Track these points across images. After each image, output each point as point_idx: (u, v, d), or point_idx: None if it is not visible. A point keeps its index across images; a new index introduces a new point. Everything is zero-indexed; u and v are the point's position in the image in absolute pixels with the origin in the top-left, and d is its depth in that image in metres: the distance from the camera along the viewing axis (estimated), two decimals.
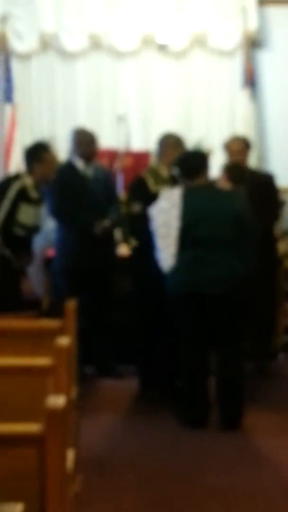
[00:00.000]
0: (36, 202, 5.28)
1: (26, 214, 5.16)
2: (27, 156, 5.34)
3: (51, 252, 6.00)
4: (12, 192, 5.17)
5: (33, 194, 5.24)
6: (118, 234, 5.89)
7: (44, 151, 5.34)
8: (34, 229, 5.34)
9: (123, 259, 5.72)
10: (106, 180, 5.72)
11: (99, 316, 5.61)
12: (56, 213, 5.56)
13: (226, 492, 3.75)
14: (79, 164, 5.59)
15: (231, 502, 3.64)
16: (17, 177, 5.41)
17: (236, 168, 5.22)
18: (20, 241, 5.21)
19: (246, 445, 4.40)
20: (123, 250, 5.98)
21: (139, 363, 5.32)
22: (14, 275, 5.30)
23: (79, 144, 5.60)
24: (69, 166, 5.66)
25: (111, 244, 5.72)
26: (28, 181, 5.22)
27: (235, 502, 3.66)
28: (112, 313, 5.69)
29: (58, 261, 5.60)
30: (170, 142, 5.25)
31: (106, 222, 5.47)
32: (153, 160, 5.91)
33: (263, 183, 5.67)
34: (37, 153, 5.30)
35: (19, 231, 5.15)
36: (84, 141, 5.60)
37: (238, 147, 5.68)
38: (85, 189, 5.53)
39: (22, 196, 5.17)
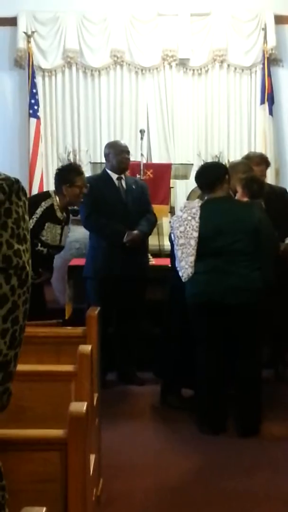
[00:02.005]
0: (61, 223, 5.26)
1: (50, 234, 5.17)
2: (58, 177, 5.26)
3: (74, 261, 6.08)
4: (39, 210, 5.12)
5: (59, 214, 5.23)
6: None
7: (76, 175, 5.24)
8: (57, 248, 5.33)
9: (154, 269, 5.74)
10: (140, 192, 5.75)
11: (127, 323, 5.67)
12: (88, 221, 5.63)
13: (244, 498, 3.68)
14: (113, 175, 5.67)
15: (249, 508, 3.60)
16: (46, 195, 5.36)
17: (254, 182, 5.15)
18: (42, 259, 5.17)
19: (264, 451, 4.38)
20: (155, 260, 6.03)
21: (161, 368, 5.31)
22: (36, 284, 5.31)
23: (112, 156, 5.65)
24: (103, 177, 5.74)
25: (143, 254, 5.77)
26: (56, 201, 5.18)
27: (253, 507, 3.60)
28: (141, 322, 5.73)
29: (89, 268, 5.65)
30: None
31: (136, 232, 5.54)
32: None
33: (279, 197, 5.66)
34: (69, 176, 5.21)
35: (41, 250, 5.15)
36: (117, 153, 5.64)
37: (261, 171, 5.63)
38: (118, 199, 5.61)
39: (49, 215, 5.13)
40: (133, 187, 5.71)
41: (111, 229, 5.53)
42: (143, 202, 5.73)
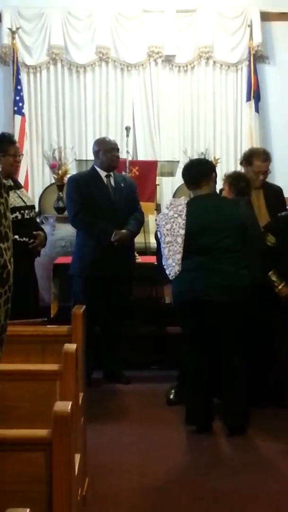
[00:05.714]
0: (12, 188, 5.15)
1: (11, 200, 5.02)
2: None
3: (59, 259, 6.04)
4: None
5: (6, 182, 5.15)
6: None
7: (8, 144, 5.20)
8: (27, 208, 5.24)
9: (141, 267, 5.75)
10: (129, 190, 5.71)
11: (113, 323, 5.65)
12: (75, 219, 5.57)
13: (231, 497, 3.68)
14: (101, 172, 5.62)
15: (236, 507, 3.60)
16: None
17: (242, 180, 5.08)
18: (23, 223, 5.12)
19: (251, 450, 4.39)
20: (142, 258, 6.02)
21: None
22: (33, 280, 5.35)
23: (102, 153, 5.58)
24: (92, 174, 5.68)
25: (130, 252, 5.73)
26: None
27: (240, 506, 3.60)
28: (126, 320, 5.72)
29: (75, 266, 5.61)
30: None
31: (124, 232, 5.51)
32: None
33: (276, 194, 5.47)
34: (1, 145, 5.15)
35: (15, 216, 5.02)
36: (107, 150, 5.58)
37: (267, 167, 5.38)
38: (106, 197, 5.56)
39: None
40: (122, 185, 5.66)
41: (99, 228, 5.48)
42: (132, 200, 5.70)
